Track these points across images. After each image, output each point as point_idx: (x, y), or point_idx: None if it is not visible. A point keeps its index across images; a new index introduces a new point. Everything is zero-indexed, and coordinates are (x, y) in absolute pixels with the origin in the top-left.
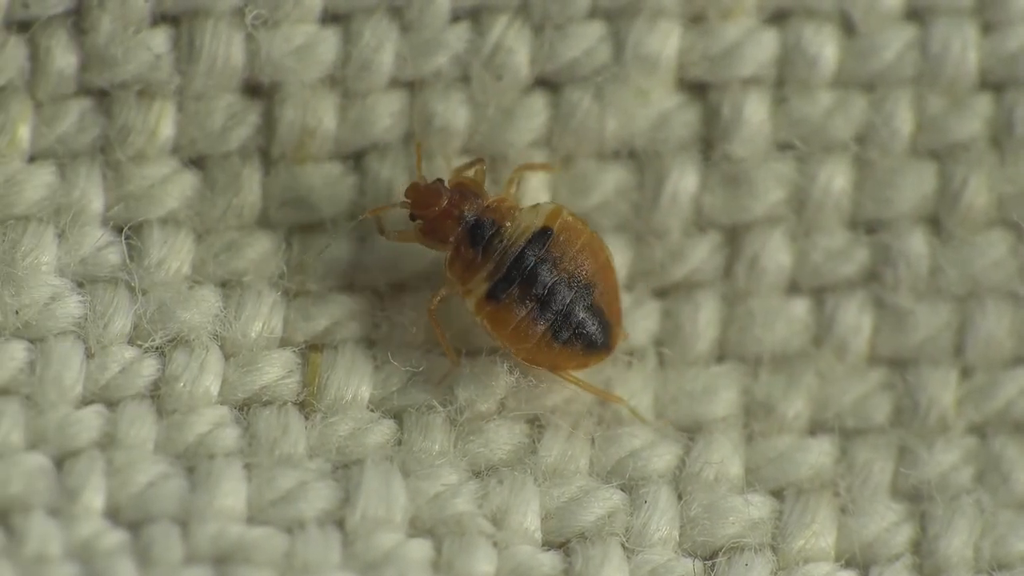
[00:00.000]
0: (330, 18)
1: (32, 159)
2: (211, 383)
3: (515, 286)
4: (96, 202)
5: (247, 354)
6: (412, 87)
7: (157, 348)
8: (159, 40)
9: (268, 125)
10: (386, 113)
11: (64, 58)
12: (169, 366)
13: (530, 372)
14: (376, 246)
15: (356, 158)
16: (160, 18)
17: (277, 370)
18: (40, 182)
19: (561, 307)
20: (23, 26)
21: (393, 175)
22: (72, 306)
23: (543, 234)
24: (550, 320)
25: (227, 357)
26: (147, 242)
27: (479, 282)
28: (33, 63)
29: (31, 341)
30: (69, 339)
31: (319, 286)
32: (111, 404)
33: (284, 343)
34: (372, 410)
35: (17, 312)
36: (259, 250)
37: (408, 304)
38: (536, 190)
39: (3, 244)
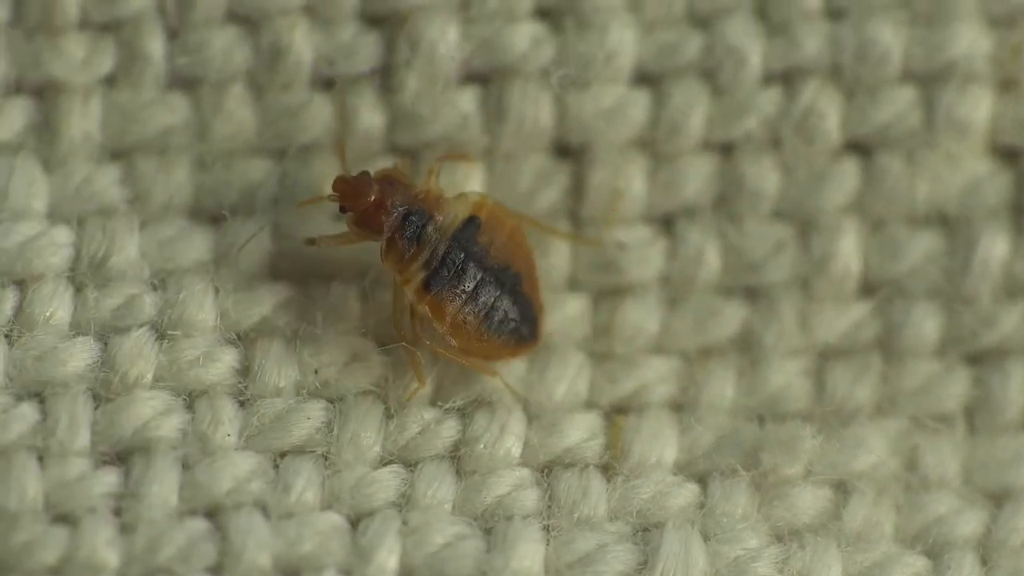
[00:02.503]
0: (640, 79)
1: (337, 218)
2: (512, 445)
3: (450, 275)
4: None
5: (550, 416)
6: (722, 150)
7: (458, 409)
8: (467, 99)
9: (577, 187)
10: (696, 176)
11: (371, 117)
12: (470, 427)
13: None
14: (683, 306)
15: (666, 221)
16: (468, 78)
17: (580, 433)
18: None
19: (493, 297)
20: (329, 84)
21: (704, 239)
22: (374, 365)
23: (471, 223)
24: (484, 310)
25: (530, 419)
26: None
27: (415, 271)
28: (341, 121)
29: (329, 401)
30: (368, 399)
31: (626, 349)
32: (409, 464)
33: (589, 406)
34: (675, 473)
35: (316, 371)
36: (566, 313)
37: (716, 370)
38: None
39: (306, 301)
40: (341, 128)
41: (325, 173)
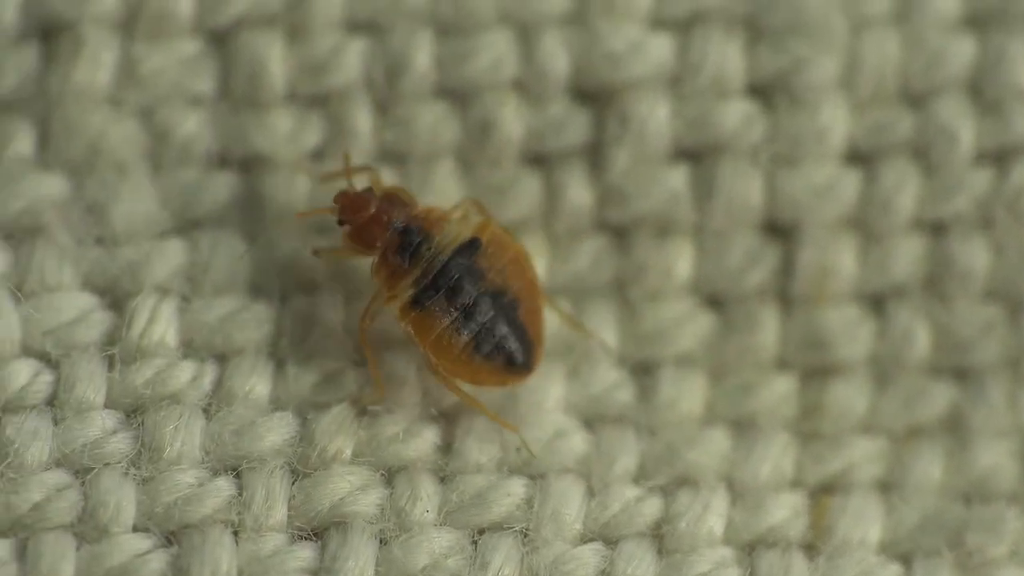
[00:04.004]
0: (851, 157)
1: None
2: (715, 523)
3: (440, 295)
4: (608, 340)
5: (754, 495)
6: (932, 229)
7: (661, 487)
8: (677, 177)
9: (786, 265)
10: (906, 255)
11: (580, 194)
12: (672, 506)
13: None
14: (891, 386)
15: (875, 301)
16: (678, 154)
17: (784, 512)
18: (552, 319)
19: (485, 320)
20: (538, 160)
21: (914, 319)
22: (577, 443)
23: (471, 245)
24: (473, 332)
25: (734, 498)
26: (659, 381)
27: (404, 288)
28: (549, 198)
29: (531, 478)
30: (570, 476)
31: (834, 429)
32: (610, 542)
33: (794, 485)
34: (879, 553)
35: (518, 449)
36: (774, 392)
37: (923, 450)
38: None
39: None
40: (345, 143)
41: (530, 250)
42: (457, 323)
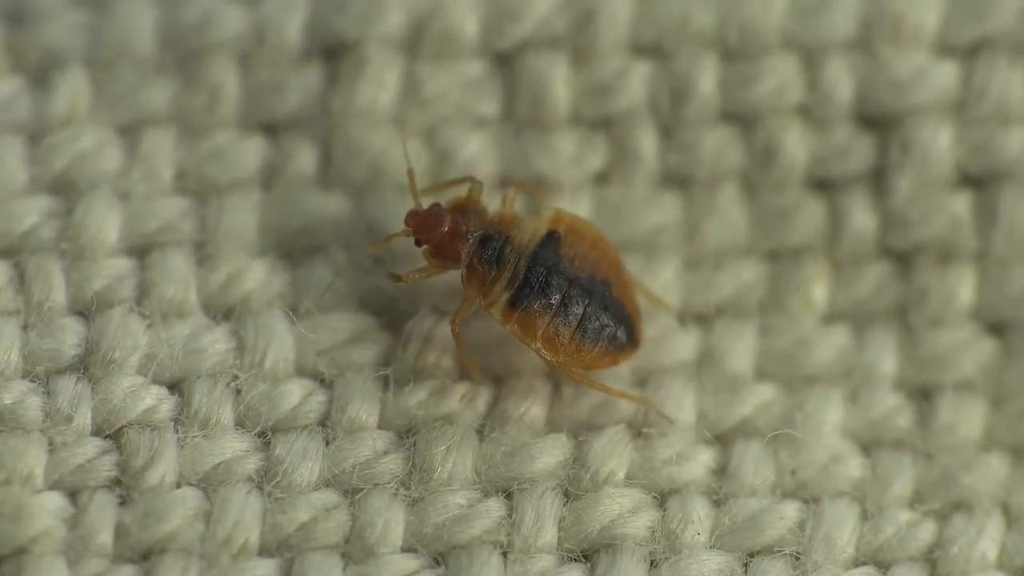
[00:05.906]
0: None
1: (827, 320)
2: (988, 548)
3: (535, 291)
4: (888, 365)
5: None
6: None
7: (935, 512)
8: (959, 203)
9: None
10: None
11: (863, 219)
12: (946, 530)
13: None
14: None
15: None
16: (961, 180)
17: None
18: (833, 344)
19: (583, 307)
20: (822, 185)
21: None
22: (852, 467)
23: (551, 237)
24: (576, 320)
25: (1009, 523)
26: (938, 406)
27: (499, 293)
28: (832, 223)
29: (804, 501)
30: (844, 500)
31: None
32: (882, 566)
33: None
34: None
35: (793, 473)
36: None
37: None
38: None
39: (790, 403)
40: (409, 162)
41: (812, 275)
42: (559, 316)
